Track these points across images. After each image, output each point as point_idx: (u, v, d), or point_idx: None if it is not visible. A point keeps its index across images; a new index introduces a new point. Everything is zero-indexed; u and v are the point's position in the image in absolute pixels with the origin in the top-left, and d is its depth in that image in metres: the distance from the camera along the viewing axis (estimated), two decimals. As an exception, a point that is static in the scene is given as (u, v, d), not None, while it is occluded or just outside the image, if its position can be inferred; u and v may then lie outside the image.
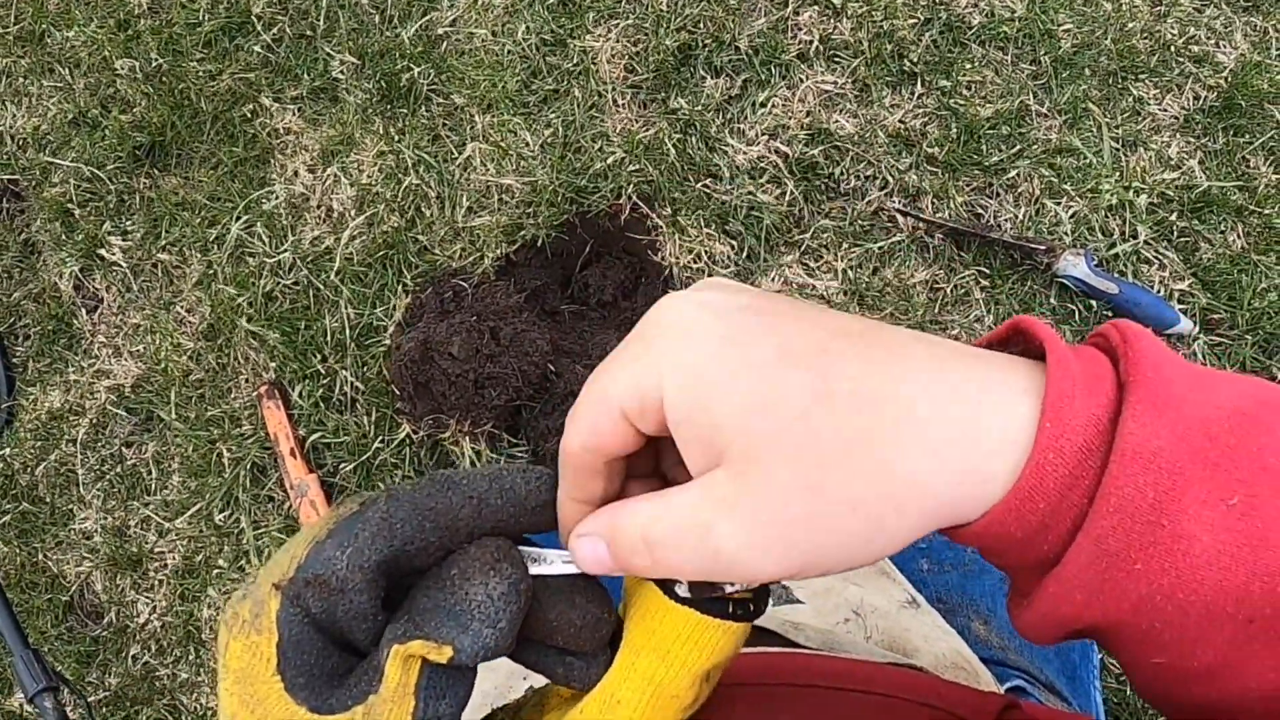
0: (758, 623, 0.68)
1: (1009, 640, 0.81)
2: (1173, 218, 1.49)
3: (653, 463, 0.37)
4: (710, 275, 1.46)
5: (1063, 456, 0.28)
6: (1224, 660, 0.29)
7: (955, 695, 0.47)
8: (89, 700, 1.60)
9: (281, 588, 0.32)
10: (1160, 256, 1.48)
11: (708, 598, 0.36)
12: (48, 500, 1.67)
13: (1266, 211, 1.49)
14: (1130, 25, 1.56)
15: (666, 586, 0.36)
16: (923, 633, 0.73)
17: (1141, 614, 0.28)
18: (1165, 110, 1.54)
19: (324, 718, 0.32)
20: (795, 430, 0.28)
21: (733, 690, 0.47)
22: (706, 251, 1.47)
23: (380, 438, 1.51)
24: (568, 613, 0.35)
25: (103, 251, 1.69)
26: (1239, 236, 1.49)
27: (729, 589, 0.36)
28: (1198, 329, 1.46)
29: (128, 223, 1.69)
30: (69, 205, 1.71)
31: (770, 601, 0.86)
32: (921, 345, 0.30)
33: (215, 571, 1.58)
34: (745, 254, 1.47)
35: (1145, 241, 1.48)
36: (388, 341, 1.52)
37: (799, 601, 0.81)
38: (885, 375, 0.29)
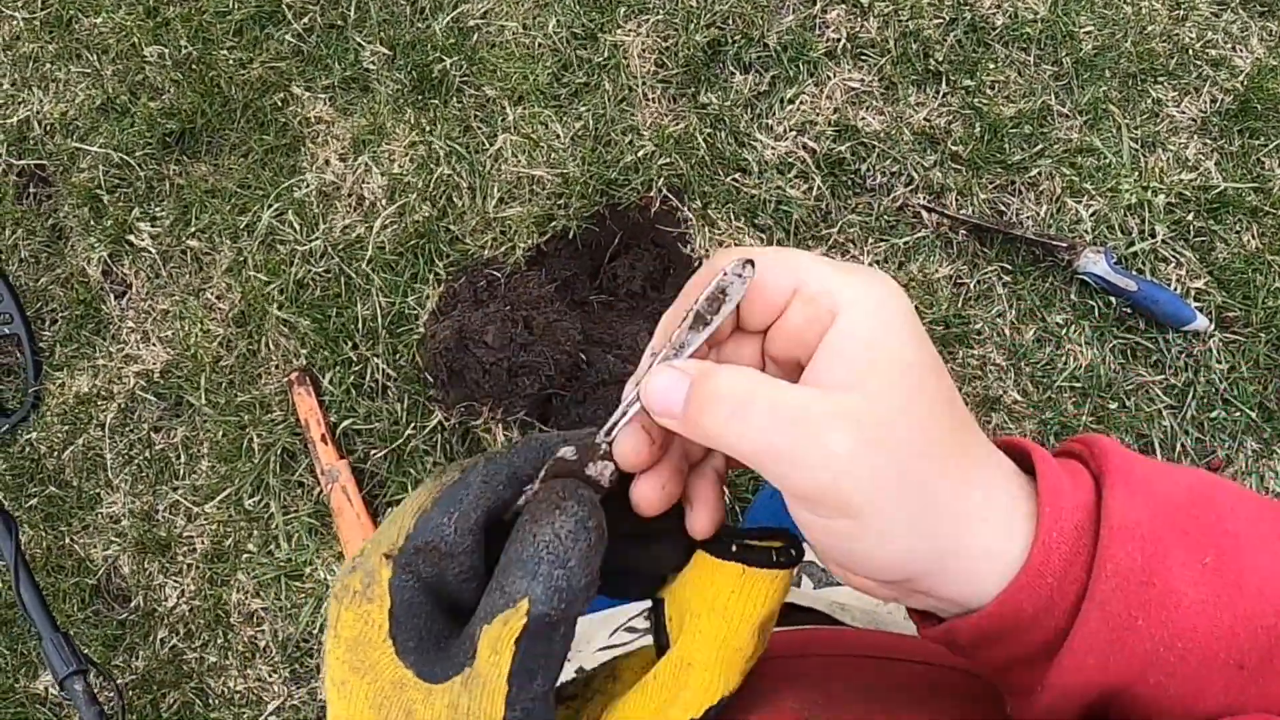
0: (807, 603, 0.71)
1: None
2: (1190, 217, 1.52)
3: None
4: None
5: (1063, 535, 0.32)
6: (1225, 707, 0.33)
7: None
8: (118, 683, 1.61)
9: (392, 557, 0.34)
10: (1177, 255, 1.52)
11: (755, 552, 0.39)
12: (75, 484, 1.69)
13: (1280, 212, 1.53)
14: (1150, 28, 1.59)
15: (715, 549, 0.39)
16: None
17: (1149, 669, 0.32)
18: (1183, 112, 1.57)
19: (428, 684, 0.33)
20: (937, 410, 0.33)
21: (791, 663, 0.50)
22: (735, 244, 1.50)
23: (412, 424, 1.54)
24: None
25: (131, 237, 1.70)
26: (1254, 237, 1.53)
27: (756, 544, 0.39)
28: (1213, 326, 1.50)
29: (157, 209, 1.71)
30: (97, 191, 1.72)
31: (812, 585, 0.89)
32: (983, 435, 0.36)
33: (244, 556, 1.60)
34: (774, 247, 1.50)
35: (1163, 240, 1.51)
36: (420, 329, 1.54)
37: (838, 583, 0.84)
38: (972, 429, 0.35)
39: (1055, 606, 0.32)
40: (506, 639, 0.32)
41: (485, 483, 0.35)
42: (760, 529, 0.41)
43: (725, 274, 0.36)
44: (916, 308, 1.48)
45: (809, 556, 0.90)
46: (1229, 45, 1.60)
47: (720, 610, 0.38)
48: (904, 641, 0.55)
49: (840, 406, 0.32)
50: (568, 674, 0.73)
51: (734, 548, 0.39)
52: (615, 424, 0.37)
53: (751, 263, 0.35)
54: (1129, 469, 0.34)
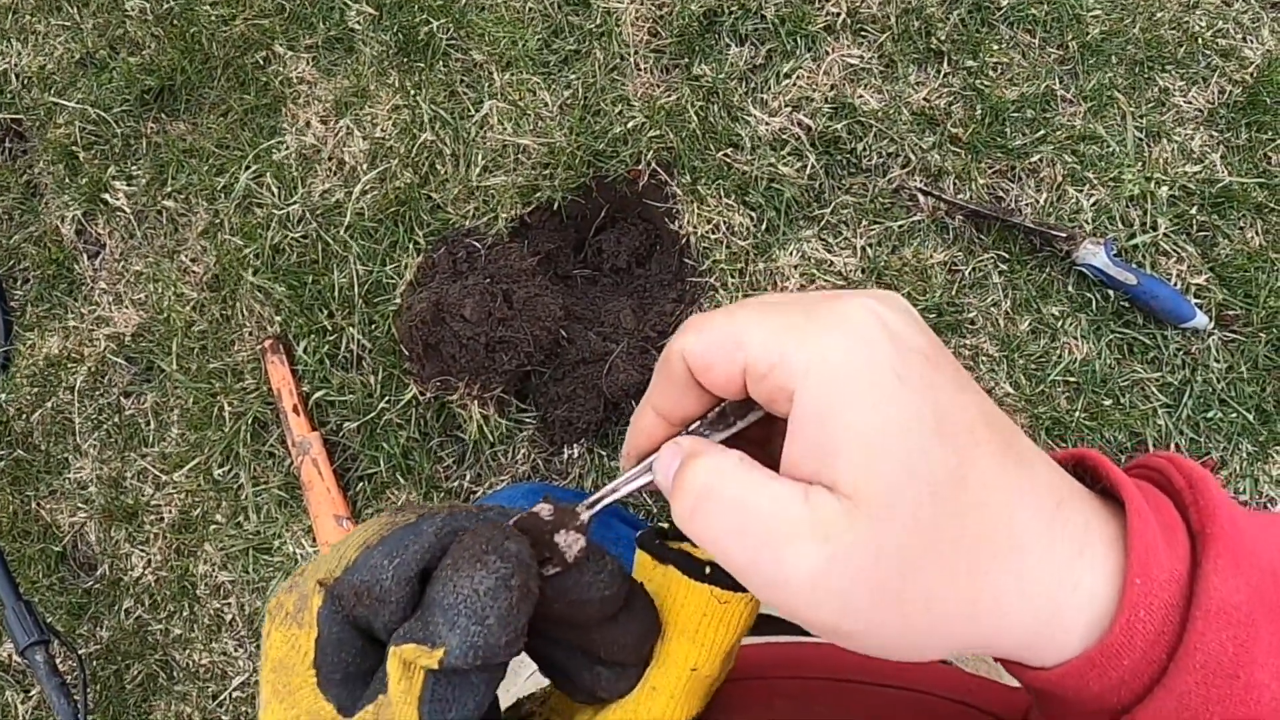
0: (772, 611, 0.68)
1: None
2: (1193, 211, 1.48)
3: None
4: (728, 246, 1.45)
5: (1151, 614, 0.28)
6: None
7: (986, 692, 0.48)
8: (80, 654, 1.58)
9: (327, 586, 0.32)
10: (1179, 249, 1.47)
11: (728, 576, 0.35)
12: (43, 448, 1.65)
13: (1286, 209, 1.48)
14: (1159, 15, 1.54)
15: (687, 569, 0.37)
16: None
17: None
18: (1190, 102, 1.53)
19: (344, 719, 0.31)
20: (923, 504, 0.27)
21: (770, 684, 0.47)
22: (725, 222, 1.45)
23: (386, 397, 1.49)
24: (610, 630, 0.35)
25: (107, 196, 1.65)
26: (1258, 234, 1.49)
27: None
28: (1213, 324, 1.46)
29: (133, 168, 1.66)
30: (73, 148, 1.67)
31: None
32: (1046, 470, 0.30)
33: (212, 527, 1.57)
34: (765, 226, 1.46)
35: (1165, 234, 1.47)
36: (397, 300, 1.50)
37: None
38: (1013, 487, 0.28)
39: (1127, 685, 0.29)
40: (419, 672, 0.30)
41: (436, 536, 0.32)
42: None
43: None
44: (909, 293, 1.44)
45: None
46: (1239, 35, 1.55)
47: (691, 635, 0.36)
48: (889, 663, 0.52)
49: (808, 513, 0.28)
50: (521, 682, 0.70)
51: (708, 569, 0.36)
52: (601, 498, 0.35)
53: None
54: (1237, 534, 0.28)
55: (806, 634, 0.65)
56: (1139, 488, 0.31)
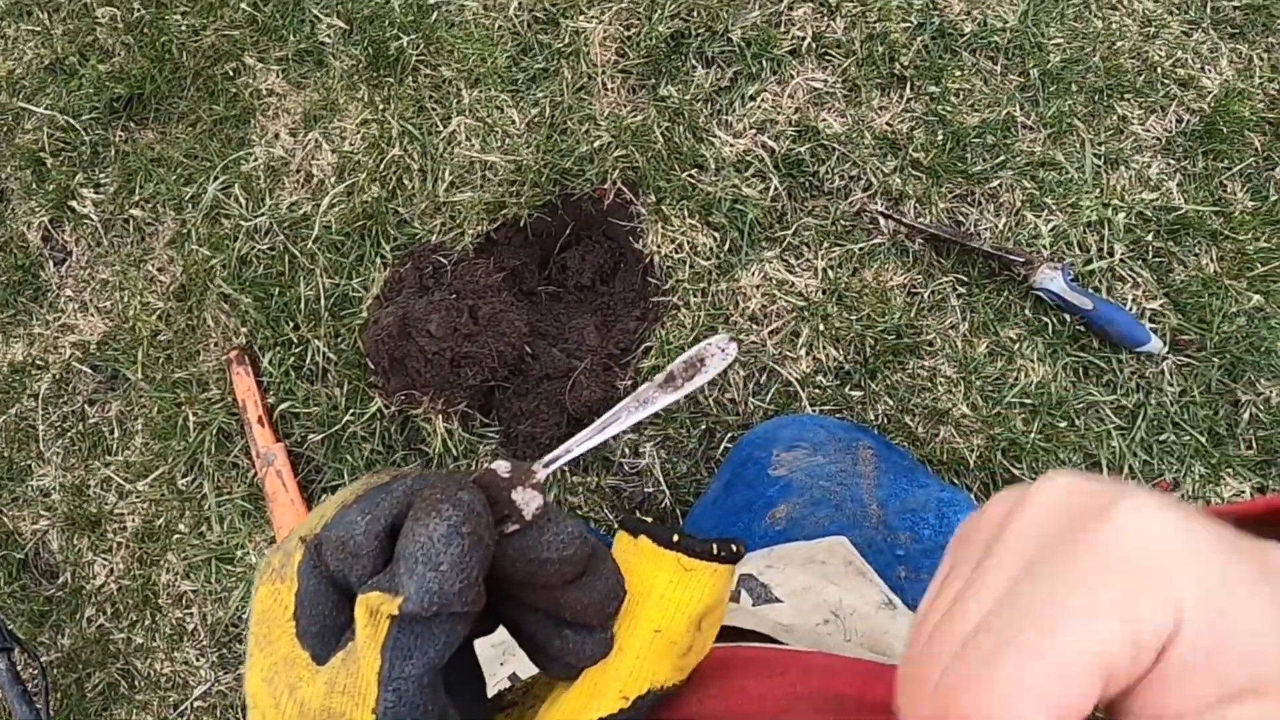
0: (749, 624, 0.70)
1: None
2: (1149, 237, 1.51)
3: None
4: (691, 266, 1.46)
5: None
6: None
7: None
8: (42, 661, 1.58)
9: (307, 542, 0.34)
10: (1135, 275, 1.50)
11: (696, 541, 0.39)
12: (5, 455, 1.64)
13: (1241, 237, 1.51)
14: (1119, 44, 1.57)
15: (658, 536, 0.39)
16: (901, 635, 0.74)
17: None
18: (1148, 130, 1.55)
19: (316, 665, 0.33)
20: None
21: (742, 665, 0.49)
22: (689, 242, 1.47)
23: (351, 410, 1.50)
24: (574, 591, 0.36)
25: (74, 203, 1.65)
26: (1212, 260, 1.52)
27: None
28: (1167, 349, 1.49)
29: (101, 175, 1.66)
30: (41, 154, 1.67)
31: (751, 600, 0.88)
32: None
33: (175, 537, 1.57)
34: (727, 247, 1.47)
35: (1121, 259, 1.50)
36: (363, 313, 1.51)
37: (778, 600, 0.82)
38: None
39: None
40: (383, 620, 0.31)
41: (405, 494, 0.34)
42: (709, 538, 0.40)
43: (709, 344, 0.35)
44: (869, 314, 1.46)
45: (748, 570, 0.88)
46: (1198, 65, 1.58)
47: (657, 598, 0.38)
48: (861, 665, 0.54)
49: None
50: (500, 680, 0.71)
51: (675, 537, 0.39)
52: (557, 456, 0.37)
53: (737, 341, 0.33)
54: None
55: (774, 641, 0.66)
56: None
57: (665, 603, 0.38)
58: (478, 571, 0.32)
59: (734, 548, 0.40)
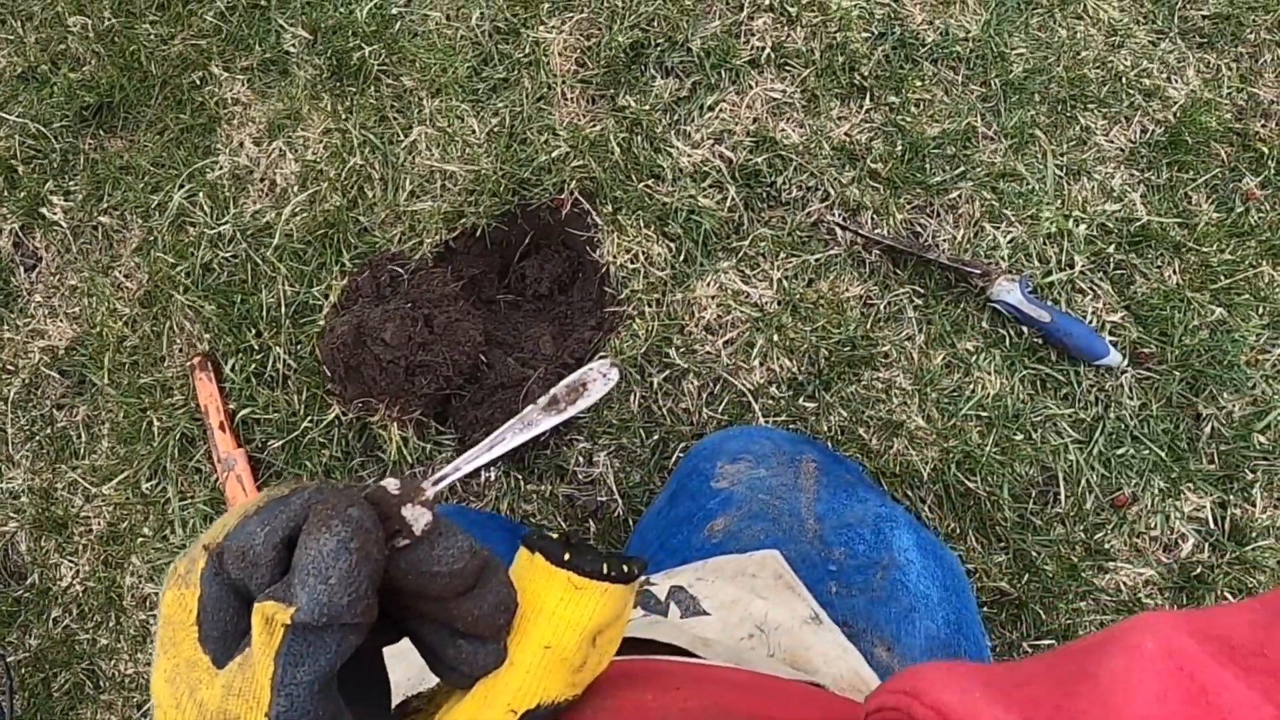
0: (667, 638, 0.70)
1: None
2: (1110, 249, 1.50)
3: None
4: (646, 276, 1.46)
5: None
6: None
7: (857, 713, 0.49)
8: (8, 661, 1.60)
9: (209, 550, 0.36)
10: (1095, 287, 1.49)
11: (586, 560, 0.40)
12: (-24, 457, 1.67)
13: (1204, 250, 1.50)
14: (1083, 54, 1.56)
15: (550, 554, 0.40)
16: (823, 650, 0.74)
17: None
18: (1112, 141, 1.54)
19: (215, 668, 0.35)
20: None
21: (646, 678, 0.49)
22: (644, 252, 1.47)
23: (310, 417, 1.51)
24: (466, 603, 0.38)
25: (44, 210, 1.67)
26: (1175, 273, 1.50)
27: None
28: (1126, 362, 1.48)
29: (71, 183, 1.68)
30: (12, 161, 1.69)
31: (679, 612, 0.88)
32: None
33: (139, 540, 1.59)
34: (683, 257, 1.48)
35: (1081, 271, 1.49)
36: (322, 321, 1.52)
37: (705, 613, 0.83)
38: None
39: None
40: (278, 628, 0.33)
41: (303, 506, 0.35)
42: (603, 556, 0.41)
43: (591, 369, 0.37)
44: (824, 325, 1.45)
45: (679, 582, 0.88)
46: (1164, 75, 1.57)
47: (548, 615, 0.40)
48: (767, 682, 0.54)
49: None
50: (430, 686, 0.72)
51: (566, 556, 0.40)
52: (445, 475, 0.38)
53: (618, 366, 0.35)
54: None
55: (691, 655, 0.67)
56: None
57: (555, 620, 0.40)
58: (366, 585, 0.33)
59: (626, 568, 0.41)
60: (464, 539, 0.37)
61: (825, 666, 0.74)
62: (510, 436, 0.40)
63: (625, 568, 0.41)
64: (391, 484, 0.37)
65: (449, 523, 0.37)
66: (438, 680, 0.66)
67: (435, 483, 0.38)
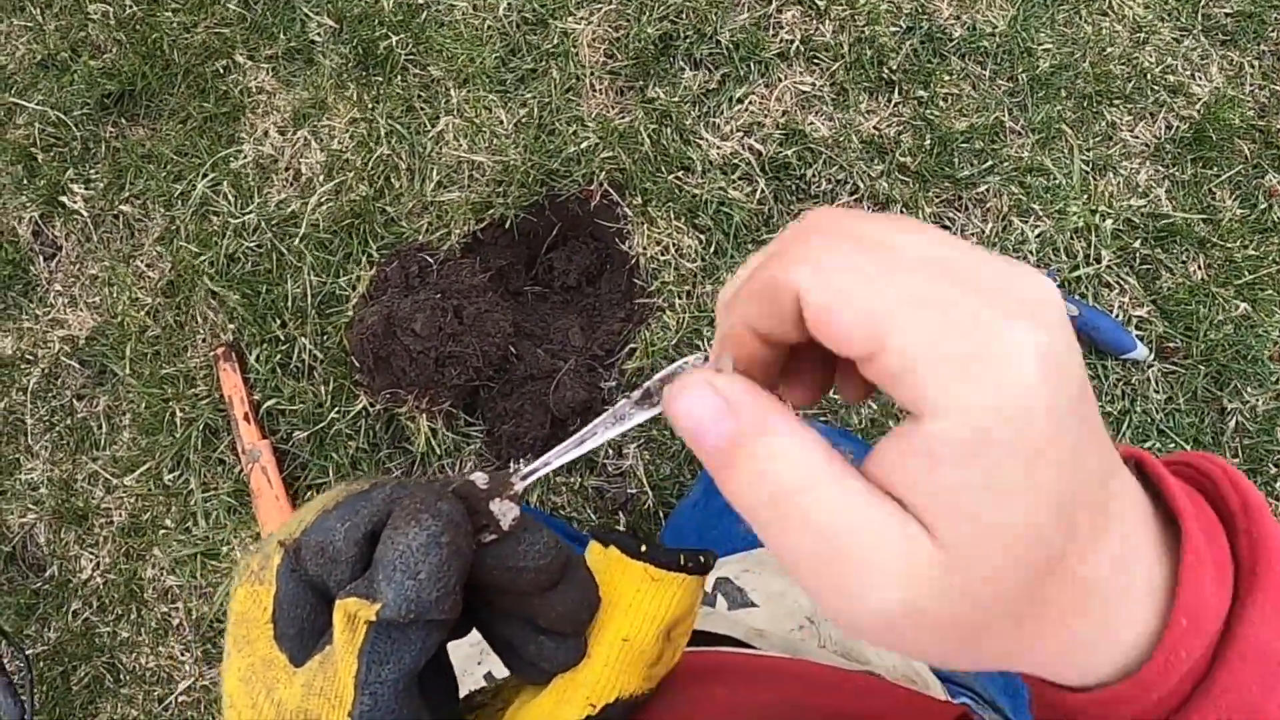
0: (723, 629, 0.70)
1: None
2: (1136, 244, 1.50)
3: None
4: (677, 268, 1.46)
5: (1190, 654, 0.27)
6: None
7: (914, 703, 0.49)
8: (27, 654, 1.59)
9: (286, 546, 0.35)
10: (1121, 281, 1.50)
11: (661, 552, 0.40)
12: (-6, 448, 1.65)
13: (1229, 245, 1.51)
14: (1109, 50, 1.57)
15: (626, 547, 0.40)
16: None
17: None
18: (1137, 137, 1.55)
19: (293, 667, 0.34)
20: (1015, 578, 0.25)
21: (712, 674, 0.49)
22: (675, 244, 1.47)
23: (336, 408, 1.51)
24: (550, 599, 0.37)
25: (64, 199, 1.66)
26: (1200, 268, 1.51)
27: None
28: (1153, 356, 1.49)
29: (92, 171, 1.66)
30: (32, 149, 1.67)
31: (727, 604, 0.88)
32: (1127, 525, 0.28)
33: (161, 531, 1.57)
34: (713, 249, 1.48)
35: (1108, 266, 1.49)
36: (350, 311, 1.51)
37: (753, 605, 0.83)
38: (1102, 559, 0.27)
39: (1149, 714, 0.28)
40: (361, 625, 0.32)
41: (384, 501, 0.35)
42: (678, 549, 0.41)
43: (685, 362, 0.36)
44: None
45: (726, 574, 0.88)
46: (1188, 72, 1.58)
47: (625, 607, 0.39)
48: (830, 674, 0.54)
49: (902, 557, 0.24)
50: (477, 679, 0.72)
51: (643, 548, 0.40)
52: (534, 469, 0.37)
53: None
54: None
55: (747, 646, 0.66)
56: (1190, 498, 0.29)
57: (633, 612, 0.39)
58: (455, 580, 0.33)
59: (702, 559, 0.41)
60: (549, 535, 0.36)
61: (877, 658, 0.75)
62: (602, 431, 0.39)
63: (701, 559, 0.41)
64: (480, 478, 0.36)
65: (535, 519, 0.37)
66: (486, 673, 0.66)
67: (524, 478, 0.37)
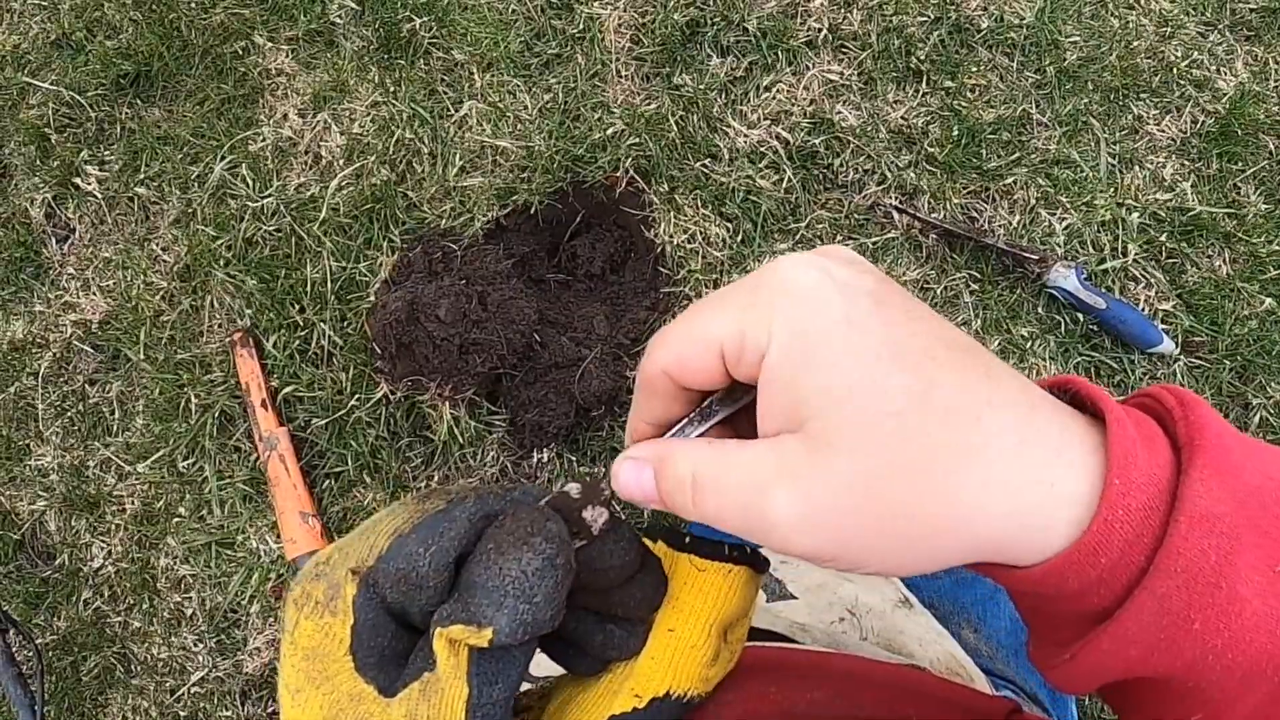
0: (765, 624, 0.69)
1: (997, 650, 0.82)
2: (1163, 238, 1.50)
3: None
4: (704, 256, 1.45)
5: (1129, 514, 0.28)
6: (1252, 717, 0.30)
7: (960, 695, 0.48)
8: (37, 643, 1.56)
9: (360, 574, 0.33)
10: (1148, 275, 1.49)
11: (706, 543, 0.39)
12: (4, 434, 1.62)
13: (1254, 240, 1.51)
14: (1135, 44, 1.56)
15: (671, 539, 0.40)
16: (917, 635, 0.73)
17: (1191, 671, 0.29)
18: (1164, 131, 1.55)
19: (386, 699, 0.33)
20: (883, 427, 0.28)
21: (768, 671, 0.48)
22: (701, 232, 1.46)
23: (356, 395, 1.49)
24: (629, 589, 0.37)
25: (78, 180, 1.63)
26: (1225, 263, 1.51)
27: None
28: (1179, 350, 1.48)
29: (106, 153, 1.64)
30: (46, 129, 1.65)
31: (765, 597, 0.87)
32: (1016, 382, 0.31)
33: (175, 520, 1.55)
34: (740, 238, 1.46)
35: (1134, 259, 1.49)
36: (370, 297, 1.49)
37: (793, 597, 0.82)
38: (979, 398, 0.29)
39: (1105, 585, 0.29)
40: (463, 649, 0.32)
41: (470, 522, 0.34)
42: (721, 540, 0.40)
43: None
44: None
45: None
46: (1214, 67, 1.58)
47: (672, 600, 0.38)
48: (878, 668, 0.53)
49: (776, 459, 0.30)
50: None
51: (687, 539, 0.39)
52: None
53: None
54: (1224, 450, 0.29)
55: (789, 640, 0.65)
56: (1126, 409, 0.31)
57: (678, 603, 0.39)
58: (564, 596, 0.33)
59: (748, 549, 0.40)
60: (629, 529, 0.36)
61: (921, 650, 0.74)
62: (690, 429, 0.39)
63: (747, 549, 0.40)
64: (573, 488, 0.36)
65: (618, 517, 0.37)
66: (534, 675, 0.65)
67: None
